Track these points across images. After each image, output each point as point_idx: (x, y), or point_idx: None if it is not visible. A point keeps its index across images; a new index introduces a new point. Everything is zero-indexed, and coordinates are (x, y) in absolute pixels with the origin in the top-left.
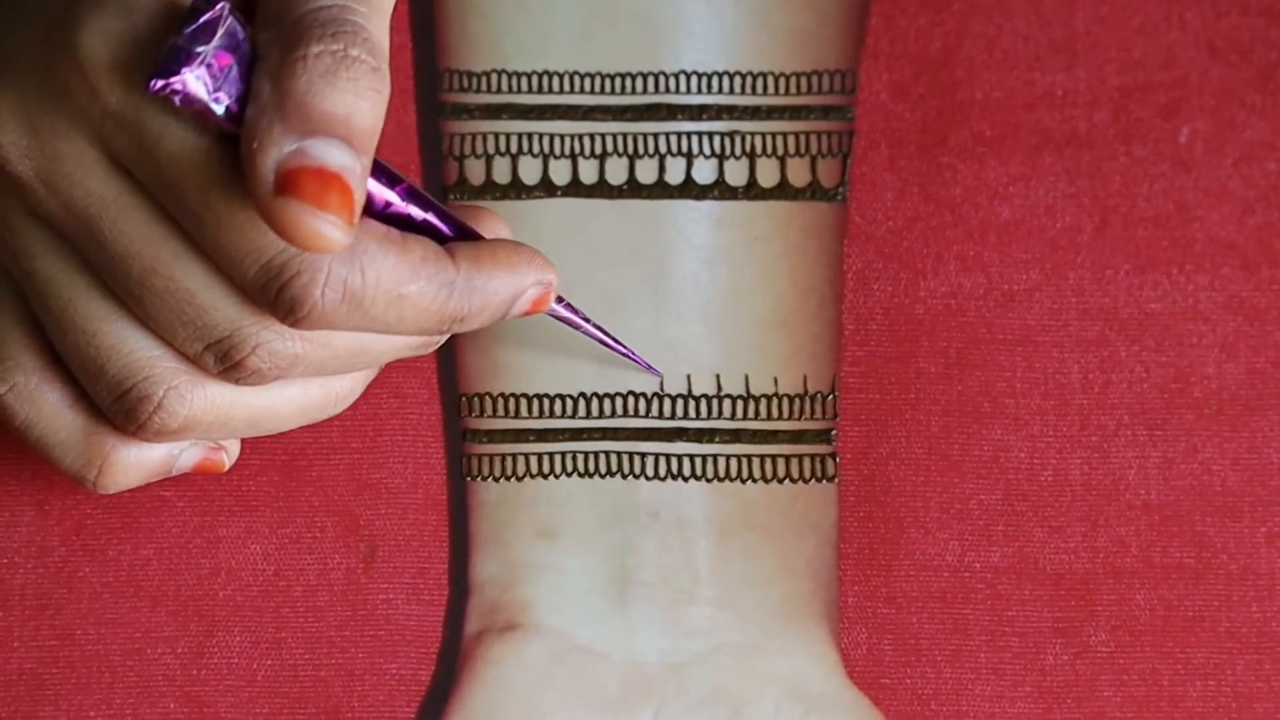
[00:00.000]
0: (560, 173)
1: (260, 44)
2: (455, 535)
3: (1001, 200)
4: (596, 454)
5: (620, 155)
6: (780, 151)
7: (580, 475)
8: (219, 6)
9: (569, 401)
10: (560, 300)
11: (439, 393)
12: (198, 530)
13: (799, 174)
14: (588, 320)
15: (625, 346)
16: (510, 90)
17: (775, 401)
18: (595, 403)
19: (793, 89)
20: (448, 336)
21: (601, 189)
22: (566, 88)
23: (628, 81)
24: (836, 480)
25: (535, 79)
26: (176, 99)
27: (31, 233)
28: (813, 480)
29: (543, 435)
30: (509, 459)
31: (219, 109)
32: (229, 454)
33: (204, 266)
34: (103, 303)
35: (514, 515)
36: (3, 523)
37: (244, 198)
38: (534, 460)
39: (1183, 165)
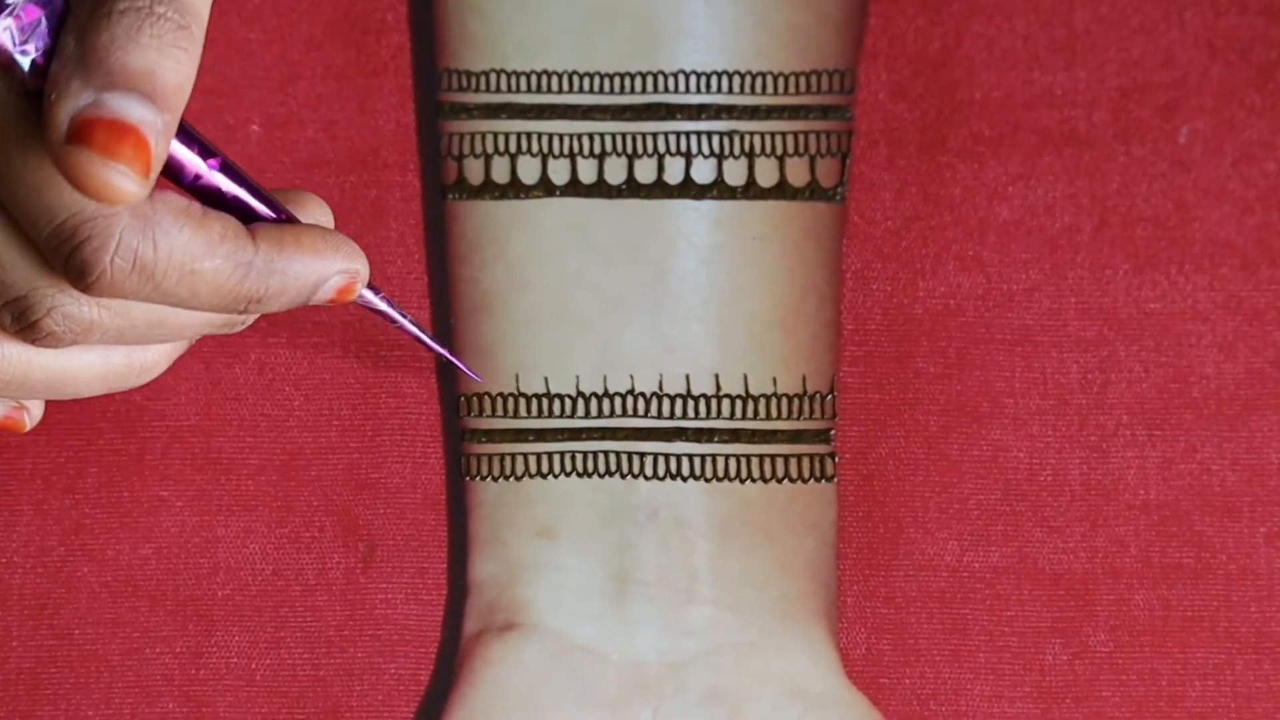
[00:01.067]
0: (559, 172)
1: (72, 2)
2: (454, 535)
3: (1000, 200)
4: (595, 453)
5: (619, 155)
6: (779, 151)
7: (579, 475)
8: None
9: (568, 401)
10: (377, 292)
11: (438, 392)
12: (196, 530)
13: (798, 174)
14: (404, 315)
15: (441, 348)
16: (509, 90)
17: (774, 401)
18: (594, 402)
19: (792, 89)
20: (254, 316)
21: (600, 188)
22: (565, 87)
23: (626, 81)
24: (835, 480)
25: (534, 79)
26: None
27: None
28: (811, 480)
29: (541, 435)
30: (508, 458)
31: (24, 61)
32: (30, 415)
33: (4, 225)
34: None
35: (513, 515)
36: (1, 522)
37: (42, 155)
38: (533, 460)
39: (1182, 165)
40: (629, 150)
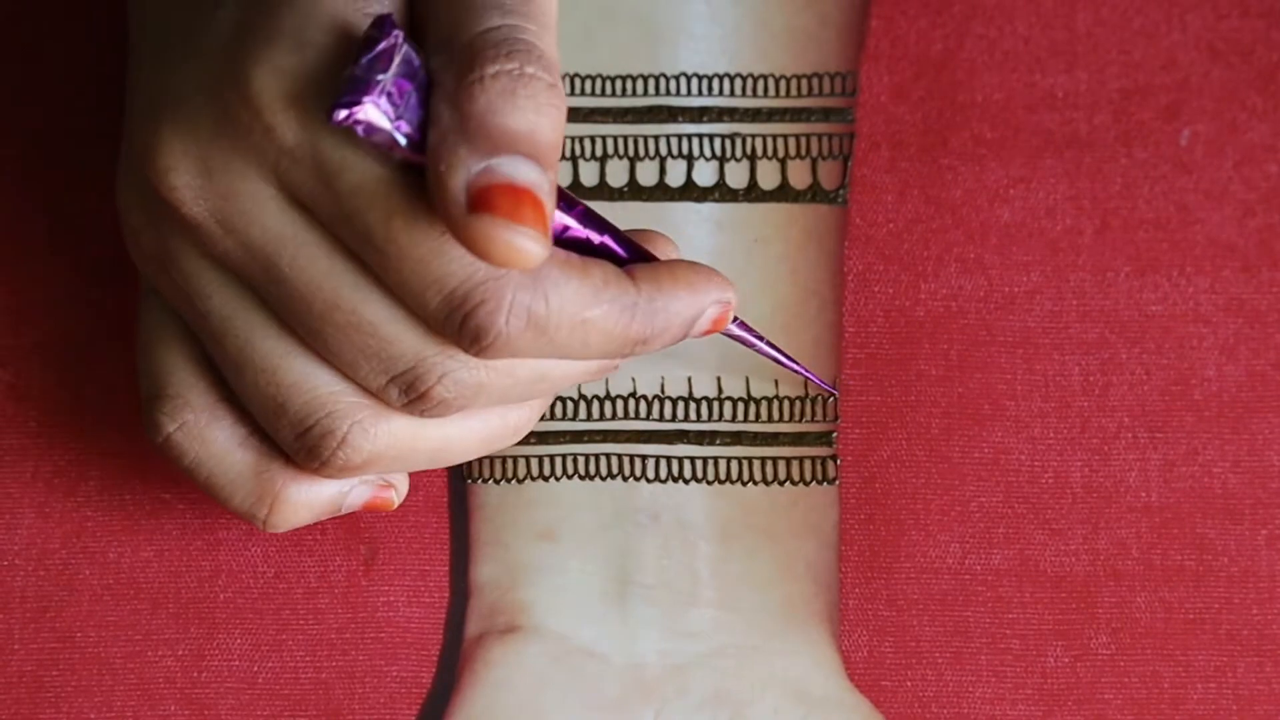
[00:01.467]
0: (561, 175)
1: (434, 69)
2: (455, 537)
3: (1002, 202)
4: (597, 456)
5: (621, 157)
6: (781, 154)
7: (581, 477)
8: (394, 34)
9: (569, 403)
10: (735, 319)
11: None
12: (198, 532)
13: (800, 176)
14: (761, 339)
15: (801, 366)
16: None
17: (776, 404)
18: (595, 405)
19: (793, 91)
20: (628, 360)
21: (602, 191)
22: (567, 90)
23: (628, 83)
24: (837, 482)
25: None
26: (360, 129)
27: (206, 274)
28: (813, 482)
29: (543, 437)
30: (509, 461)
31: (401, 137)
32: (398, 491)
33: (386, 299)
34: (281, 340)
35: (514, 517)
36: (3, 525)
37: (427, 227)
38: (534, 462)
39: (1183, 167)
40: (631, 153)
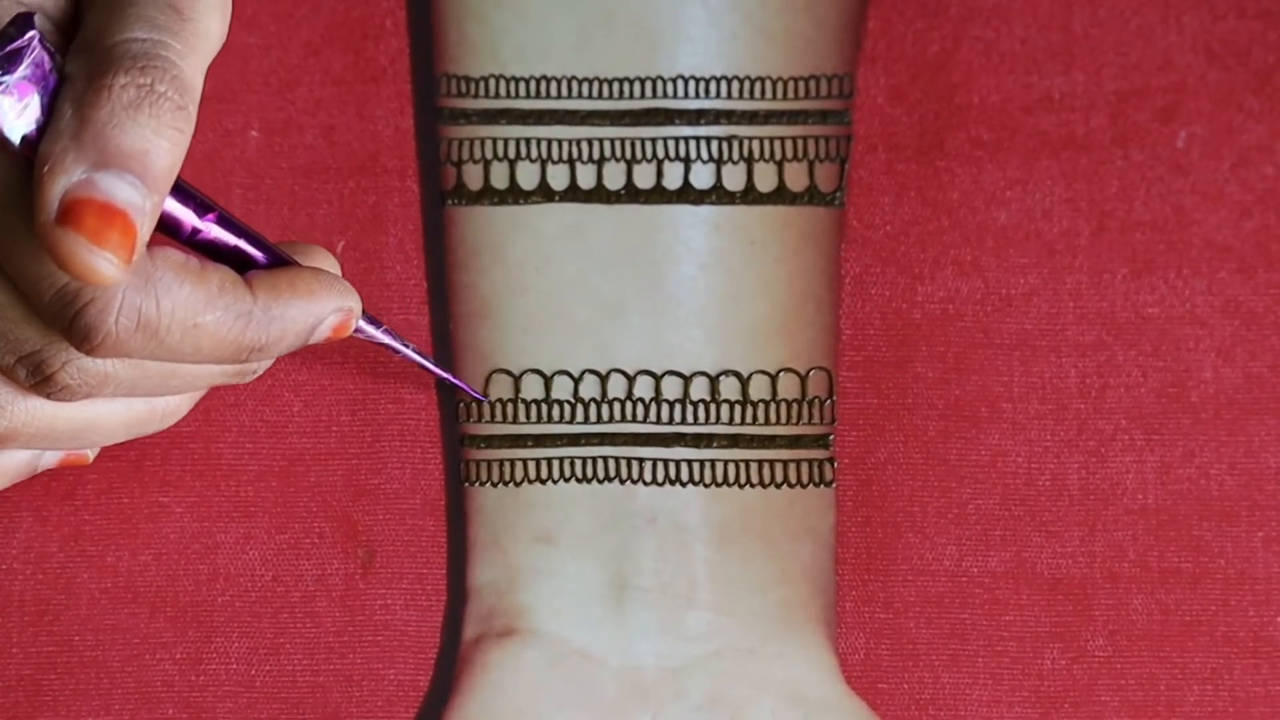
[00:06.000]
0: (558, 178)
1: (69, 72)
2: (453, 540)
3: (999, 204)
4: (594, 459)
5: (618, 160)
6: (778, 156)
7: (578, 480)
8: (28, 35)
9: (567, 406)
10: (377, 325)
11: (437, 398)
12: (196, 536)
13: (796, 178)
14: (406, 344)
15: (446, 372)
16: (508, 95)
17: (773, 406)
18: (593, 408)
19: (790, 93)
20: (264, 366)
21: (599, 194)
22: (564, 93)
23: (625, 86)
24: (834, 485)
25: (533, 84)
26: None
27: None
28: (810, 485)
29: (540, 440)
30: (507, 464)
31: (14, 137)
32: (91, 449)
33: (9, 283)
34: None
35: (512, 520)
36: (1, 529)
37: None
38: (532, 465)
39: (1180, 169)
40: (627, 155)
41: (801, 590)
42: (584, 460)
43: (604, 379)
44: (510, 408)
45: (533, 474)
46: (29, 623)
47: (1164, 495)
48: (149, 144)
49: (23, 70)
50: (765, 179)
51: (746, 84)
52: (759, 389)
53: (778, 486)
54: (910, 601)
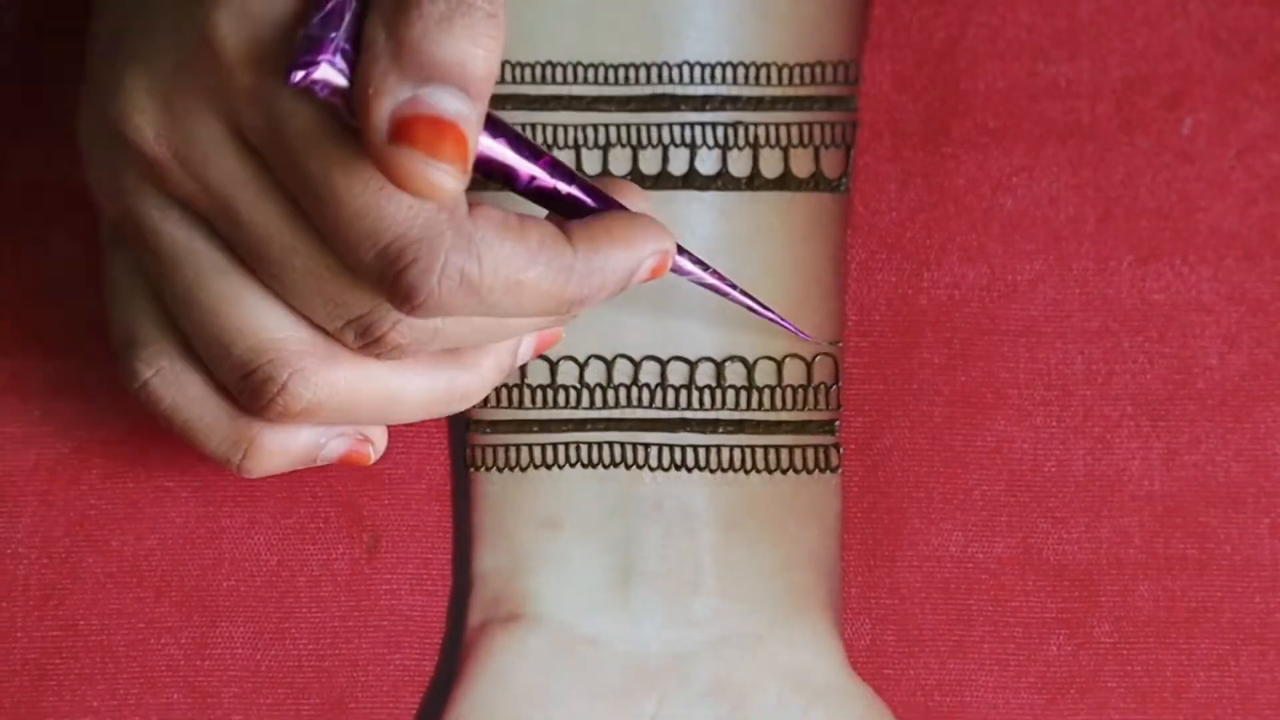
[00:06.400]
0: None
1: None
2: (458, 526)
3: (1005, 191)
4: (600, 444)
5: (624, 146)
6: (784, 142)
7: (584, 466)
8: None
9: (572, 392)
10: (701, 264)
11: None
12: (201, 521)
13: (802, 165)
14: (733, 286)
15: (772, 312)
16: (513, 81)
17: (779, 392)
18: (599, 393)
19: (796, 80)
20: (580, 311)
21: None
22: (570, 78)
23: (631, 72)
24: (840, 471)
25: (538, 70)
26: (317, 88)
27: (163, 212)
28: (816, 471)
29: (546, 426)
30: (512, 449)
31: (339, 79)
32: (375, 447)
33: None
34: (229, 282)
35: (517, 506)
36: (6, 514)
37: (365, 180)
38: (537, 451)
39: (1186, 156)
40: (633, 141)
41: (807, 576)
42: (589, 445)
43: (610, 364)
44: (516, 393)
45: (538, 459)
46: (34, 607)
47: (1170, 482)
48: (466, 54)
49: (348, 25)
50: (771, 165)
51: (752, 70)
52: (765, 374)
53: (783, 472)
54: (916, 588)
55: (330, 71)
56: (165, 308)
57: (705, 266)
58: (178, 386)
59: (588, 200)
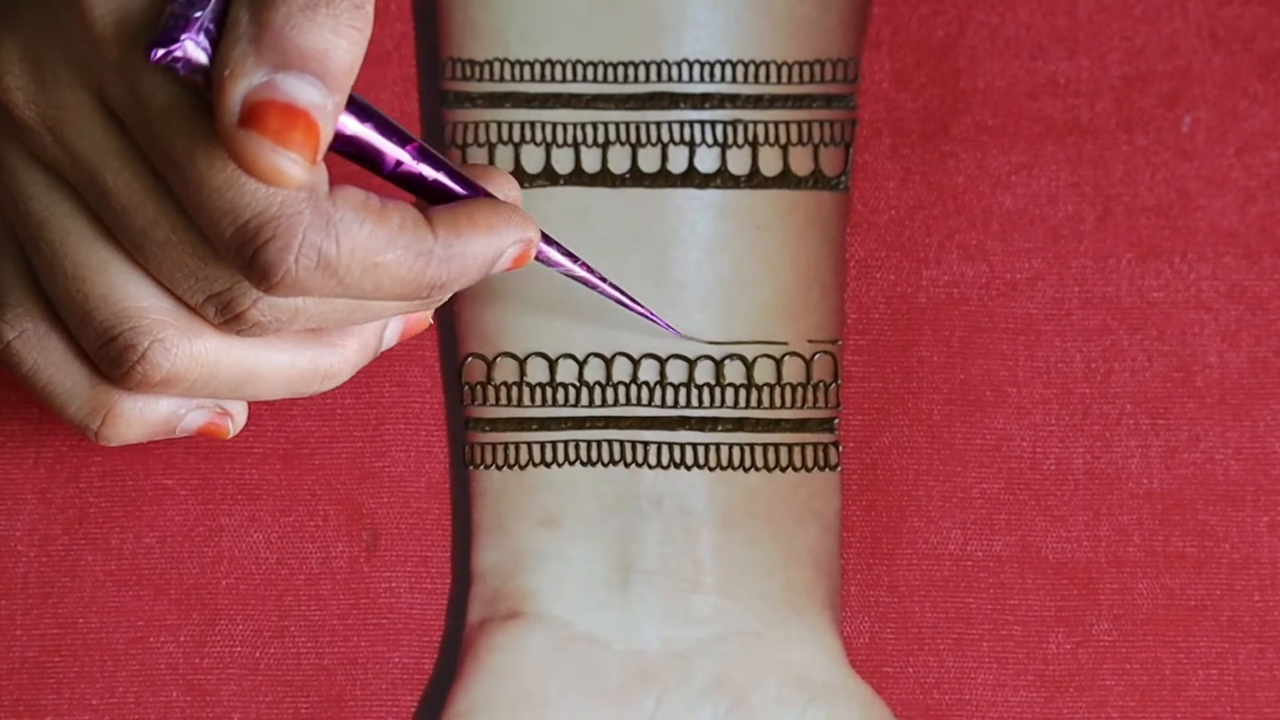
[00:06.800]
0: (563, 161)
1: None
2: (458, 523)
3: (1004, 189)
4: (599, 442)
5: (623, 144)
6: (783, 140)
7: (583, 463)
8: None
9: (571, 390)
10: (553, 244)
11: (441, 381)
12: (200, 519)
13: (801, 163)
14: (603, 279)
15: (631, 299)
16: (513, 79)
17: (778, 390)
18: (598, 391)
19: (795, 77)
20: (448, 294)
21: (604, 178)
22: (569, 76)
23: (630, 70)
24: (839, 469)
25: (538, 67)
26: (179, 66)
27: (31, 175)
28: (815, 469)
29: (545, 423)
30: (511, 447)
31: (199, 55)
32: (234, 421)
33: None
34: (94, 249)
35: (516, 503)
36: (5, 511)
37: (225, 156)
38: (536, 448)
39: (1185, 154)
40: (633, 139)
41: (806, 574)
42: (589, 443)
43: (609, 362)
44: (515, 391)
45: (537, 457)
46: (33, 605)
47: (1169, 480)
48: (328, 43)
49: (214, 4)
50: (770, 163)
51: (751, 68)
52: (764, 372)
53: (783, 470)
54: (915, 585)
55: (193, 49)
56: (32, 271)
57: (575, 259)
58: (40, 350)
59: (455, 187)
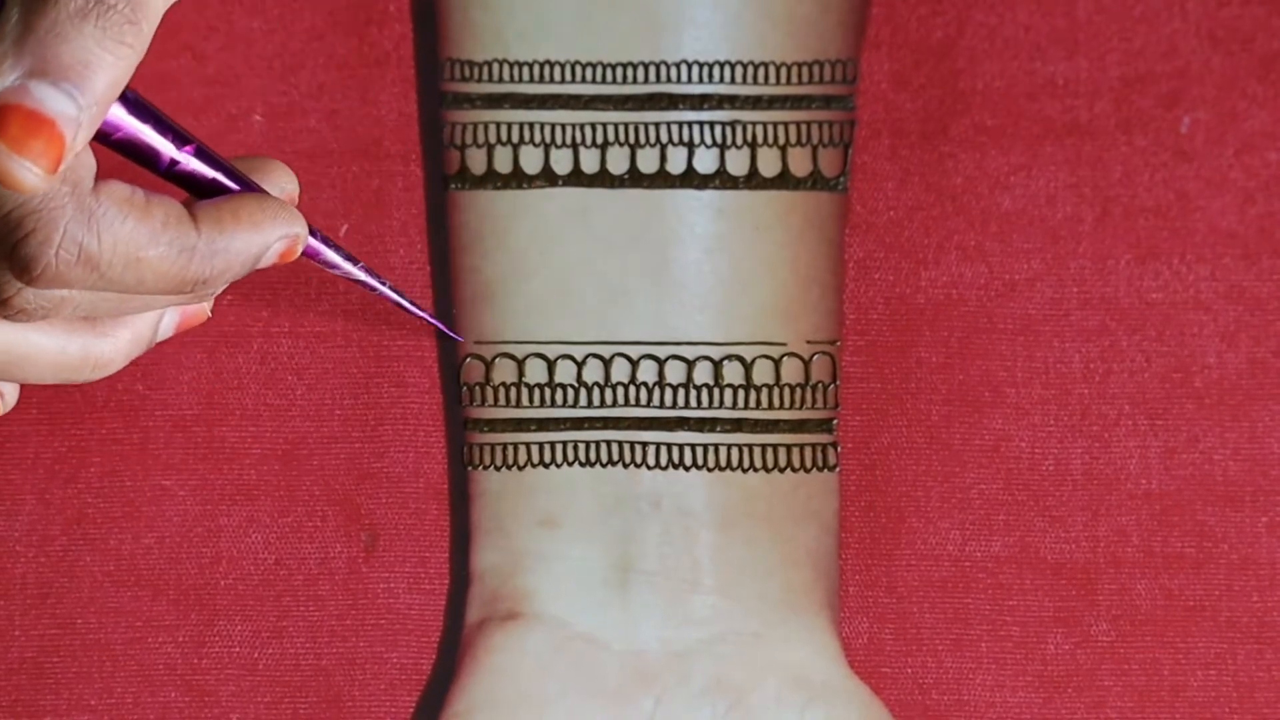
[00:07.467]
0: (562, 162)
1: None
2: (456, 524)
3: (1003, 190)
4: (598, 443)
5: (622, 145)
6: (782, 141)
7: (581, 464)
8: None
9: (570, 390)
10: (329, 243)
11: (440, 381)
12: (199, 519)
13: (800, 163)
14: (381, 281)
15: (414, 304)
16: (512, 80)
17: (776, 391)
18: (597, 391)
19: (794, 78)
20: (218, 291)
21: (603, 178)
22: (568, 77)
23: (629, 71)
24: (837, 469)
25: (537, 68)
26: None
27: None
28: (814, 469)
29: (544, 424)
30: (510, 448)
31: None
32: (4, 402)
33: None
34: None
35: (515, 504)
36: (4, 512)
37: None
38: (535, 449)
39: (1184, 155)
40: (631, 140)
41: (805, 575)
42: (587, 444)
43: (608, 363)
44: (514, 391)
45: (536, 458)
46: (31, 605)
47: (1167, 480)
48: (91, 55)
49: None
50: (769, 164)
51: (750, 69)
52: (762, 373)
53: (781, 471)
54: (914, 586)
55: None
56: None
57: (354, 260)
58: None
59: (232, 185)
